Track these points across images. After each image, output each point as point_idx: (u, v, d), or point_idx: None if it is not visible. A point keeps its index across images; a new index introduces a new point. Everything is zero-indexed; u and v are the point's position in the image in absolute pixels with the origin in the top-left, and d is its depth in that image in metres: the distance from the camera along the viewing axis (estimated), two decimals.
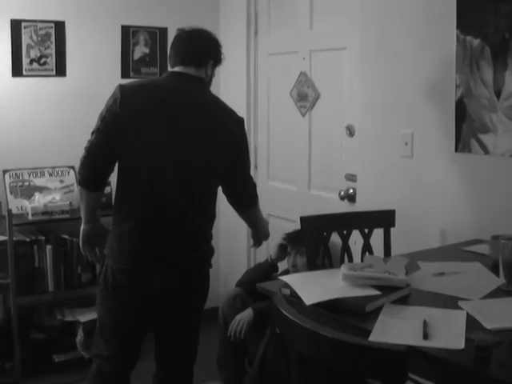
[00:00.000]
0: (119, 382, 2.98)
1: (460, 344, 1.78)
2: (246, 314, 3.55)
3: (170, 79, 2.90)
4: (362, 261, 2.88)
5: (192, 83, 2.86)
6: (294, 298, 2.14)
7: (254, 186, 3.07)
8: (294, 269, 3.57)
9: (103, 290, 2.88)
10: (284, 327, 1.80)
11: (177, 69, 2.88)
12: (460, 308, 2.08)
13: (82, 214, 2.93)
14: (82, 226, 2.95)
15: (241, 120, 2.94)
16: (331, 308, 2.06)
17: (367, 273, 2.21)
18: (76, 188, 4.23)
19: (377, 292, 2.14)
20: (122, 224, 2.81)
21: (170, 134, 2.76)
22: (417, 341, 1.81)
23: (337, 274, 2.28)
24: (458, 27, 3.09)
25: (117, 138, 2.75)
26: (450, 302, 2.13)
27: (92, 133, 2.79)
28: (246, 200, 3.07)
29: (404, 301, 2.16)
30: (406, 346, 1.59)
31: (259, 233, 3.26)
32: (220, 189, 3.00)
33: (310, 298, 2.09)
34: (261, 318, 3.49)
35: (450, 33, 3.12)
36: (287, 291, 2.19)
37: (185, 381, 3.07)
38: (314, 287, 2.19)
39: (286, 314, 1.75)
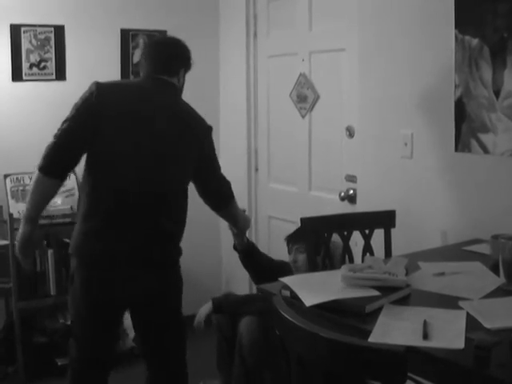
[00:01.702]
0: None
1: (460, 344, 1.78)
2: (206, 306, 3.60)
3: (146, 82, 2.94)
4: (362, 261, 2.88)
5: (167, 88, 2.92)
6: (293, 300, 2.14)
7: (228, 185, 3.11)
8: (295, 264, 3.60)
9: (72, 290, 2.87)
10: (283, 328, 1.80)
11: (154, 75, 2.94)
12: (460, 308, 2.07)
13: (28, 210, 2.82)
14: (23, 228, 2.85)
15: (209, 128, 3.01)
16: (331, 309, 2.05)
17: (367, 274, 2.21)
18: (77, 192, 4.24)
19: (377, 293, 2.14)
20: (88, 221, 2.79)
21: (144, 133, 2.79)
22: (417, 341, 1.81)
23: (337, 275, 2.28)
24: (456, 27, 3.09)
25: (89, 128, 2.74)
26: (450, 302, 2.13)
27: (64, 121, 2.78)
28: (220, 199, 3.13)
29: (404, 301, 2.15)
30: (404, 347, 1.59)
31: (240, 228, 3.36)
32: None
33: (310, 299, 2.09)
34: (219, 311, 3.56)
35: (448, 33, 3.11)
36: (287, 292, 2.19)
37: (176, 381, 3.06)
38: (314, 288, 2.19)
39: (285, 316, 1.75)
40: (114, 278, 2.78)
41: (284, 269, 3.62)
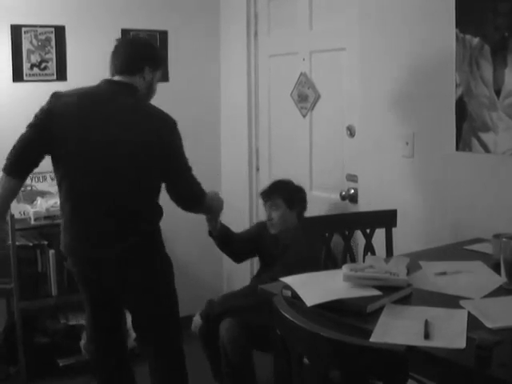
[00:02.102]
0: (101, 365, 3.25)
1: (461, 343, 1.78)
2: (196, 320, 3.56)
3: (100, 86, 3.04)
4: (363, 261, 2.88)
5: (122, 90, 3.01)
6: (295, 299, 2.14)
7: (198, 185, 3.08)
8: (271, 222, 3.59)
9: None
10: (284, 328, 1.80)
11: (113, 77, 3.07)
12: (461, 307, 2.07)
13: None
14: None
15: (173, 124, 3.00)
16: (333, 309, 2.05)
17: (368, 273, 2.21)
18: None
19: (378, 292, 2.13)
20: (62, 219, 3.10)
21: (94, 139, 2.91)
22: (418, 340, 1.81)
23: (338, 274, 2.28)
24: (457, 26, 3.09)
25: (44, 136, 2.99)
26: (451, 302, 2.13)
27: (26, 127, 3.05)
28: (191, 201, 3.13)
29: (405, 301, 2.15)
30: (405, 347, 1.59)
31: (213, 214, 3.41)
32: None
33: (311, 299, 2.09)
34: (207, 320, 3.53)
35: (449, 32, 3.11)
36: (288, 292, 2.19)
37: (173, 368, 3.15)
38: (315, 288, 2.19)
39: (286, 316, 1.75)
40: (87, 269, 3.06)
41: (262, 236, 3.64)
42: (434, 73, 3.25)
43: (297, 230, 3.55)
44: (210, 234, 3.60)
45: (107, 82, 3.05)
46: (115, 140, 2.90)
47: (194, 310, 3.69)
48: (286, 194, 3.61)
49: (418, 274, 2.45)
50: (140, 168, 2.93)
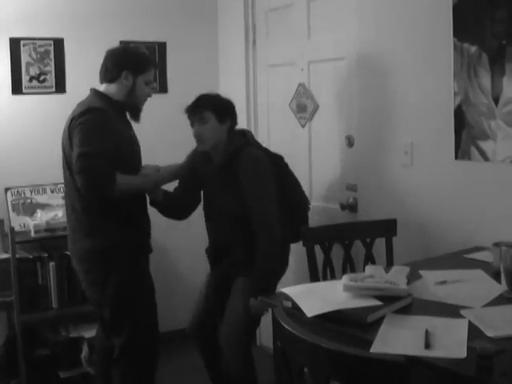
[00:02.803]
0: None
1: (462, 353, 1.77)
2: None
3: (87, 97, 3.27)
4: (363, 271, 2.88)
5: (88, 96, 3.24)
6: (295, 310, 2.13)
7: (91, 173, 3.01)
8: (200, 138, 3.29)
9: None
10: (284, 340, 1.80)
11: (99, 87, 3.28)
12: (462, 316, 2.07)
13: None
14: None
15: (86, 109, 3.09)
16: (333, 319, 2.05)
17: (368, 283, 2.21)
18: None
19: (378, 302, 2.13)
20: None
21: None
22: (418, 350, 1.80)
23: (338, 285, 2.28)
24: (454, 35, 3.09)
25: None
26: (451, 311, 2.13)
27: None
28: (88, 191, 3.05)
29: (406, 310, 2.15)
30: (405, 358, 1.58)
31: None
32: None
33: (311, 309, 2.09)
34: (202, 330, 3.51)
35: (446, 40, 3.12)
36: (289, 304, 2.19)
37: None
38: (315, 299, 2.19)
39: (286, 327, 1.75)
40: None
41: (195, 167, 3.46)
42: (432, 82, 3.25)
43: (245, 158, 3.25)
44: (152, 203, 3.44)
45: (90, 92, 3.28)
46: (64, 150, 3.19)
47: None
48: (214, 106, 3.29)
49: (418, 283, 2.45)
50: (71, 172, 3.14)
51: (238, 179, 3.21)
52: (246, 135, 3.42)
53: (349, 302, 2.15)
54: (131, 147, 3.27)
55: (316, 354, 1.65)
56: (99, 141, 2.99)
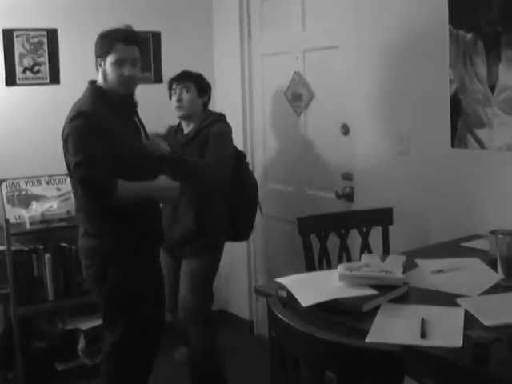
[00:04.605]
0: None
1: (458, 342, 1.76)
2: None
3: None
4: (360, 260, 2.87)
5: (84, 92, 3.16)
6: (290, 300, 2.12)
7: (89, 184, 2.94)
8: (180, 104, 3.68)
9: None
10: (279, 330, 1.78)
11: None
12: (458, 305, 2.06)
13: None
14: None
15: (71, 114, 3.02)
16: (328, 309, 2.04)
17: (364, 272, 2.20)
18: (72, 195, 4.22)
19: (374, 291, 2.12)
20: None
21: None
22: (414, 340, 1.80)
23: (334, 274, 2.27)
24: (450, 22, 3.07)
25: None
26: (448, 300, 2.12)
27: None
28: (91, 200, 3.03)
29: (402, 299, 2.14)
30: (401, 347, 1.57)
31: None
32: None
33: (306, 299, 2.07)
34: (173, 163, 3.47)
35: (442, 28, 3.10)
36: (284, 293, 2.18)
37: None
38: (310, 288, 2.18)
39: (281, 317, 1.73)
40: None
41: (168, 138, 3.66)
42: (427, 70, 3.24)
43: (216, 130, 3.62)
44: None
45: (87, 85, 3.20)
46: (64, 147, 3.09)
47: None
48: (197, 80, 3.75)
49: (414, 272, 2.44)
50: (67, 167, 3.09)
51: (205, 144, 3.56)
52: (221, 115, 3.79)
53: (344, 291, 2.14)
54: (129, 140, 3.11)
55: (311, 344, 1.63)
56: (92, 147, 2.91)
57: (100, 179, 2.90)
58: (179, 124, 3.81)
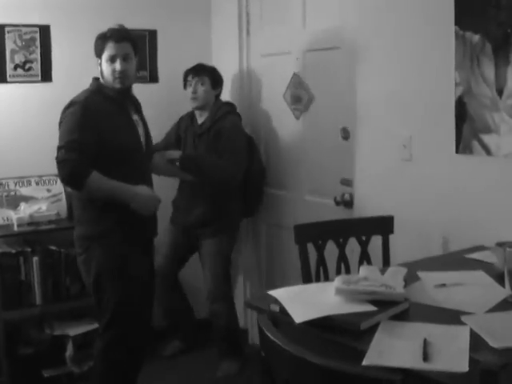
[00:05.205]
0: None
1: (463, 366, 1.63)
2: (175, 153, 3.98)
3: None
4: (358, 270, 2.74)
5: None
6: (283, 315, 1.99)
7: (64, 165, 3.12)
8: (195, 95, 4.04)
9: None
10: (268, 351, 1.64)
11: None
12: (463, 323, 1.93)
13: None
14: None
15: (68, 104, 3.25)
16: (323, 326, 1.91)
17: (362, 287, 2.06)
18: (64, 197, 4.13)
19: (373, 308, 1.99)
20: None
21: None
22: (416, 363, 1.66)
23: (330, 287, 2.13)
24: (456, 23, 2.96)
25: None
26: (452, 317, 1.99)
27: None
28: (63, 182, 3.32)
29: (402, 316, 2.01)
30: (401, 376, 1.43)
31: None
32: None
33: (300, 315, 1.94)
34: (187, 166, 3.94)
35: (448, 29, 3.00)
36: (276, 307, 2.04)
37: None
38: (305, 303, 2.04)
39: (270, 337, 1.59)
40: None
41: (180, 126, 4.21)
42: (432, 72, 3.13)
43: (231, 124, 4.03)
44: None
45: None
46: None
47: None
48: (213, 74, 4.10)
49: (416, 285, 2.31)
50: None
51: (219, 138, 3.94)
52: (232, 105, 4.16)
53: (341, 307, 2.00)
54: (122, 134, 3.27)
55: (302, 369, 1.49)
56: (76, 134, 3.11)
57: (74, 163, 3.09)
58: (192, 114, 4.16)
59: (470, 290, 2.26)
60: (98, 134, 3.13)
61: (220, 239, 4.05)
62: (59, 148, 3.13)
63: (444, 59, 3.04)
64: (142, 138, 3.39)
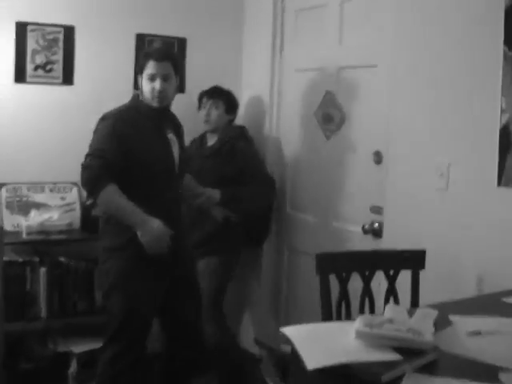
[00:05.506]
0: None
1: None
2: (215, 193, 3.84)
3: None
4: (384, 307, 2.50)
5: None
6: (295, 358, 1.76)
7: (87, 172, 3.15)
8: (208, 118, 4.04)
9: None
10: None
11: None
12: (500, 382, 1.68)
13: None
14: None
15: (101, 117, 3.28)
16: (339, 375, 1.68)
17: (386, 331, 1.82)
18: (78, 207, 3.99)
19: (397, 356, 1.75)
20: None
21: None
22: None
23: (351, 327, 1.90)
24: (505, 43, 2.75)
25: None
26: (487, 373, 1.74)
27: None
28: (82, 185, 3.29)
29: (430, 369, 1.76)
30: None
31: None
32: None
33: (313, 360, 1.71)
34: (226, 201, 3.86)
35: (496, 49, 2.80)
36: (288, 348, 1.81)
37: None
38: (320, 346, 1.81)
39: None
40: None
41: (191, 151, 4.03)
42: (475, 96, 2.94)
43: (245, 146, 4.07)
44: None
45: None
46: None
47: None
48: (228, 98, 4.11)
49: (447, 331, 2.06)
50: None
51: (227, 160, 3.94)
52: (243, 128, 4.18)
53: (360, 353, 1.76)
54: (153, 151, 3.27)
55: None
56: (103, 144, 3.16)
57: (95, 169, 3.11)
58: (203, 136, 4.16)
59: (508, 341, 2.02)
60: (127, 147, 3.17)
61: (209, 259, 3.94)
62: (86, 155, 3.19)
63: (490, 82, 2.85)
64: (176, 160, 3.37)
